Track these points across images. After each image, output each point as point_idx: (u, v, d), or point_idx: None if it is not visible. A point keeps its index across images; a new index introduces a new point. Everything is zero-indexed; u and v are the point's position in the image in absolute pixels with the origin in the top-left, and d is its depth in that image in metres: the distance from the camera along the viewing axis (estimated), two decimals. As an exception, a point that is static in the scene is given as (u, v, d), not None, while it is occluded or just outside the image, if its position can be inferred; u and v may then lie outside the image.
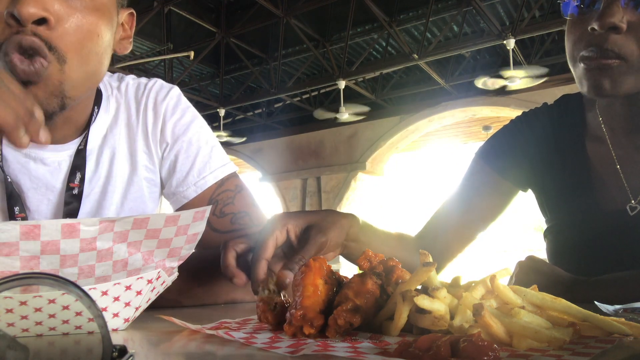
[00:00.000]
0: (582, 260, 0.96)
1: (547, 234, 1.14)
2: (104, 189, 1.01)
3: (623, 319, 0.48)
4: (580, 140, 1.08)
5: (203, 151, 1.04)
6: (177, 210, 1.02)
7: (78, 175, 0.96)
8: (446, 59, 8.45)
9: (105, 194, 1.01)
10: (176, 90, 1.09)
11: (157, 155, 1.05)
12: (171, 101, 1.06)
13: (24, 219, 0.94)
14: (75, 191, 0.96)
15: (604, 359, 0.35)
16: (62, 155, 0.97)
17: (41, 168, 0.96)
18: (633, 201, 0.98)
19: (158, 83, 1.08)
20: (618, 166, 1.02)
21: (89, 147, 0.99)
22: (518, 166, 1.13)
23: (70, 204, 0.96)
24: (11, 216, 0.92)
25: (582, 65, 0.90)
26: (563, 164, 1.09)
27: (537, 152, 1.12)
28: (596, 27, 0.86)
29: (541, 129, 1.13)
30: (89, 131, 0.99)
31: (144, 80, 1.09)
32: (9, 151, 0.93)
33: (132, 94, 1.06)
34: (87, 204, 1.00)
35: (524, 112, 1.19)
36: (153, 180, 1.06)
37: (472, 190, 1.14)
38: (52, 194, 0.97)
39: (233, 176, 1.06)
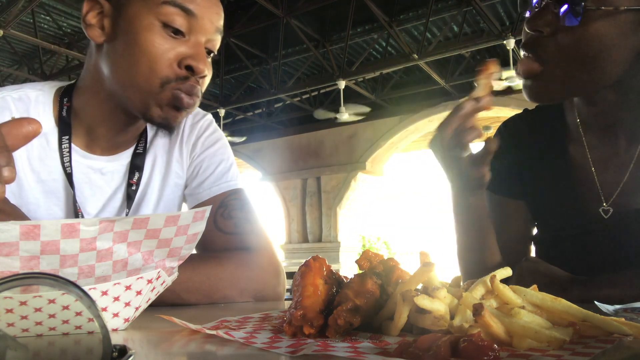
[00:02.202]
0: (566, 264, 0.96)
1: (535, 239, 1.15)
2: (144, 191, 1.13)
3: (623, 319, 0.48)
4: (561, 143, 1.08)
5: (224, 164, 1.18)
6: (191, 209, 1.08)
7: (137, 175, 1.12)
8: (446, 59, 8.45)
9: (145, 195, 1.13)
10: (210, 116, 1.27)
11: (186, 163, 1.19)
12: (205, 122, 1.23)
13: (82, 215, 1.05)
14: (134, 187, 1.11)
15: (604, 359, 0.35)
16: (116, 166, 1.11)
17: (99, 178, 1.09)
18: (605, 204, 0.98)
19: (196, 109, 1.24)
20: (593, 169, 1.02)
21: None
22: (511, 178, 1.14)
23: (130, 199, 1.11)
24: (75, 211, 1.04)
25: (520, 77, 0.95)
26: (546, 168, 1.09)
27: (521, 159, 1.13)
28: (526, 29, 0.91)
29: (521, 136, 1.14)
30: (146, 139, 1.15)
31: None
32: (74, 163, 1.06)
33: None
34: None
35: (503, 122, 1.20)
36: (180, 185, 1.19)
37: (496, 223, 1.13)
38: (105, 198, 1.10)
39: (242, 191, 1.18)
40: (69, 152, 1.04)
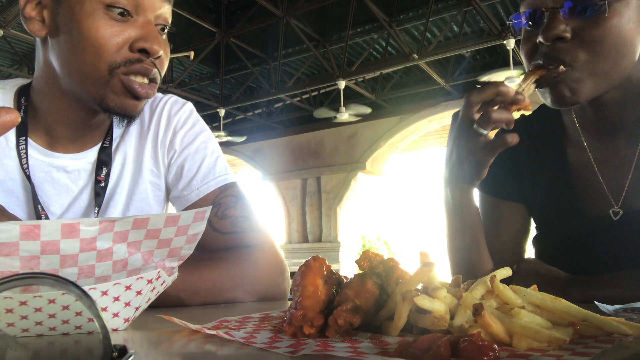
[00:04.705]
0: (568, 266, 0.96)
1: (535, 241, 1.14)
2: (113, 189, 1.07)
3: (623, 319, 0.47)
4: (560, 146, 1.08)
5: (208, 159, 1.11)
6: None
7: (104, 170, 1.06)
8: (446, 59, 8.45)
9: (114, 193, 1.07)
10: (190, 105, 1.18)
11: (163, 162, 1.11)
12: (184, 114, 1.14)
13: (46, 216, 1.01)
14: (102, 184, 1.05)
15: (604, 359, 0.35)
16: (81, 163, 1.06)
17: (63, 176, 1.04)
18: (615, 206, 0.98)
19: (173, 98, 1.17)
20: (597, 171, 1.01)
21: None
22: (508, 181, 1.13)
23: (99, 196, 1.04)
24: (37, 213, 0.99)
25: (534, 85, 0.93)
26: (546, 171, 1.09)
27: (520, 163, 1.12)
28: (542, 41, 0.89)
29: (520, 140, 1.13)
30: (112, 133, 1.08)
31: (159, 95, 1.17)
32: (34, 162, 1.02)
33: (147, 105, 1.14)
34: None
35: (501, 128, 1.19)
36: (157, 184, 1.12)
37: (493, 226, 1.14)
38: (71, 197, 1.05)
39: (235, 185, 1.11)
40: (26, 152, 1.00)
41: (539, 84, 0.92)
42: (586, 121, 1.03)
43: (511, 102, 0.88)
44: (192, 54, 7.23)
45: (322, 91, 10.01)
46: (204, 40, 8.29)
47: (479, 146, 0.91)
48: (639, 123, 0.98)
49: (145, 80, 0.94)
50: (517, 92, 0.88)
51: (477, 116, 0.90)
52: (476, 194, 1.14)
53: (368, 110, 8.50)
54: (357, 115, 8.57)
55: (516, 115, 0.96)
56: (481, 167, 0.94)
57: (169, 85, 8.63)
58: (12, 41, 7.50)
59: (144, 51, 0.92)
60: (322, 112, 8.72)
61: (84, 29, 0.89)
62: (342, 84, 8.24)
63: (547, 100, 0.95)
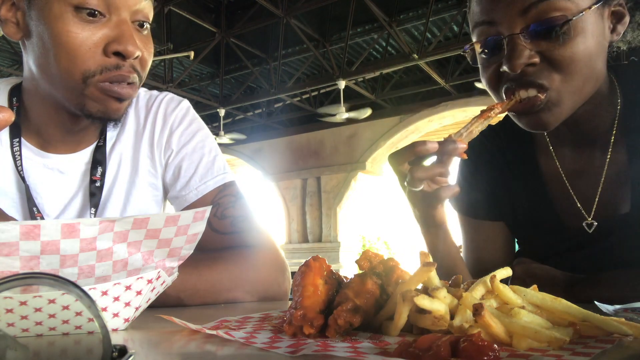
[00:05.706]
0: None
1: (517, 255, 1.13)
2: (110, 190, 1.06)
3: (623, 319, 0.47)
4: (532, 157, 1.05)
5: (206, 159, 1.09)
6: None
7: (99, 169, 1.03)
8: (446, 59, 8.45)
9: (110, 194, 1.06)
10: (186, 103, 1.15)
11: (159, 162, 1.09)
12: (180, 112, 1.11)
13: (42, 218, 0.99)
14: (98, 184, 1.03)
15: (604, 359, 0.35)
16: (76, 164, 1.04)
17: (58, 177, 1.03)
18: (589, 218, 0.96)
19: (169, 96, 1.15)
20: (567, 182, 0.99)
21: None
22: (486, 201, 1.11)
23: (95, 196, 1.02)
24: (32, 215, 0.98)
25: (511, 112, 0.90)
26: (520, 184, 1.06)
27: (494, 179, 1.10)
28: (509, 70, 0.85)
29: (490, 155, 1.10)
30: (106, 132, 1.06)
31: (155, 92, 1.15)
32: (28, 163, 1.00)
33: (143, 104, 1.12)
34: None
35: (469, 143, 1.16)
36: (155, 185, 1.11)
37: (476, 246, 1.13)
38: (67, 198, 1.04)
39: (233, 184, 1.10)
40: (20, 153, 0.99)
41: (515, 112, 0.89)
42: (557, 132, 1.00)
43: (446, 153, 0.84)
44: (192, 54, 7.23)
45: (322, 91, 10.01)
46: (204, 40, 8.29)
47: (419, 200, 0.92)
48: (609, 133, 0.95)
49: (125, 84, 0.91)
50: (448, 141, 0.84)
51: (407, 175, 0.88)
52: (455, 214, 1.13)
53: (368, 111, 8.49)
54: (357, 114, 8.57)
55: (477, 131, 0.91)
56: (432, 217, 0.95)
57: (169, 85, 8.63)
58: (12, 41, 7.50)
59: (120, 54, 0.88)
60: (322, 113, 8.72)
61: (54, 33, 0.85)
62: (342, 84, 8.23)
63: (524, 126, 0.91)
